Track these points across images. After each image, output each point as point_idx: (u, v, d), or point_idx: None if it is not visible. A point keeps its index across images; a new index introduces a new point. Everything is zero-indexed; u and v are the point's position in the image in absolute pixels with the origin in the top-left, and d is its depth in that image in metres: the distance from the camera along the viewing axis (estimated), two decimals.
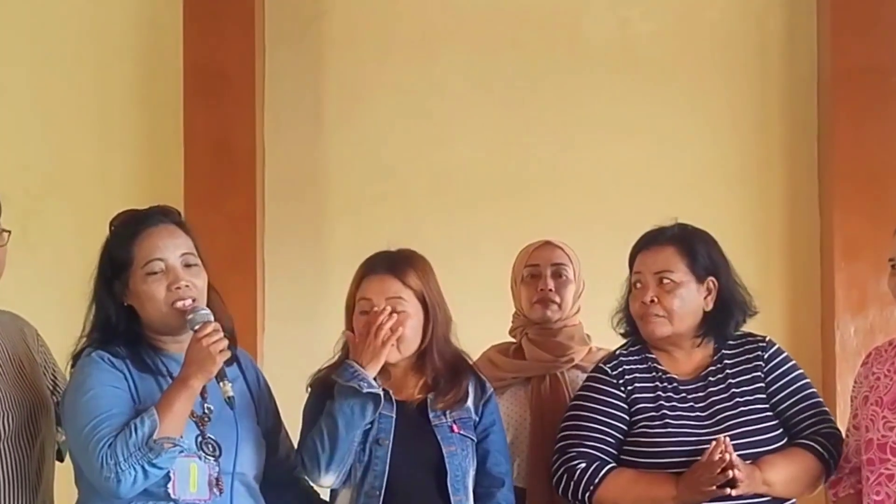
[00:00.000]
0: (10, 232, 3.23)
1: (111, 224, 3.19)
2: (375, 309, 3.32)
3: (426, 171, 5.59)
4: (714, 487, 3.19)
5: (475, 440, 3.38)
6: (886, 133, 5.44)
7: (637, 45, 5.62)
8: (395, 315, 3.31)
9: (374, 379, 3.27)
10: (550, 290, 3.81)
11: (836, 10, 5.48)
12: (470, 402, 3.40)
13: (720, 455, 3.18)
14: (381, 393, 3.27)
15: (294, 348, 5.22)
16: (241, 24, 5.48)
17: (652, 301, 3.39)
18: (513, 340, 3.94)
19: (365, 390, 3.23)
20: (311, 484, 3.39)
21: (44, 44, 5.60)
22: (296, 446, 3.37)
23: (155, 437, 2.90)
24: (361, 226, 5.48)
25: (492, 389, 3.49)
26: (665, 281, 3.41)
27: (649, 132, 5.59)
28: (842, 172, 5.45)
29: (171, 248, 3.11)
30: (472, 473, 3.35)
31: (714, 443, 3.21)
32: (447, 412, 3.36)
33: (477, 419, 3.40)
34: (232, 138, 5.40)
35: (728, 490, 3.19)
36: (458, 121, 5.59)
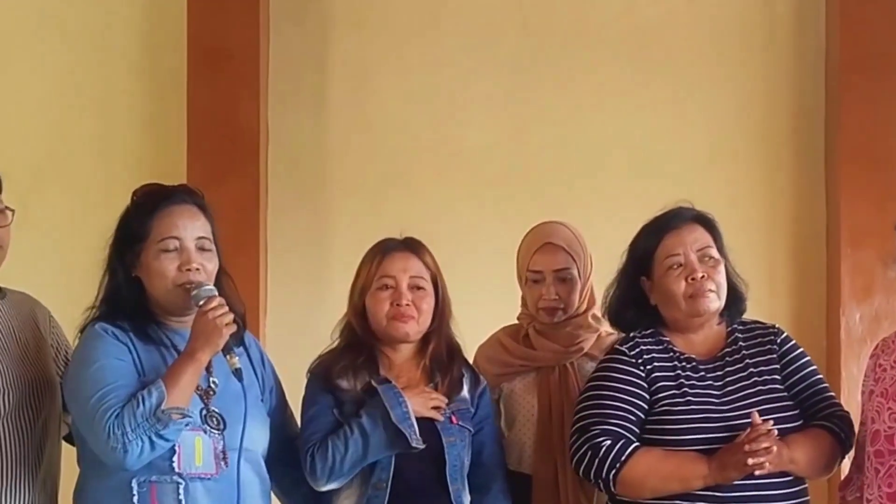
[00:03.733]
0: (14, 211, 3.23)
1: (134, 194, 3.19)
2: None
3: (431, 151, 5.57)
4: (750, 463, 3.20)
5: (472, 431, 3.42)
6: (894, 119, 5.41)
7: (645, 28, 5.60)
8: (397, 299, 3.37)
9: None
10: (555, 298, 3.76)
11: None
12: (466, 393, 3.44)
13: (767, 428, 3.21)
14: (423, 447, 3.29)
15: (296, 330, 5.21)
16: (246, 2, 5.45)
17: (703, 277, 3.41)
18: (522, 323, 3.90)
19: (413, 445, 3.27)
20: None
21: (46, 21, 5.57)
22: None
23: (163, 407, 2.90)
24: (365, 206, 5.47)
25: (485, 382, 3.53)
26: (707, 258, 3.45)
27: (656, 116, 5.57)
28: (849, 159, 5.43)
29: (189, 228, 3.12)
30: (467, 464, 3.39)
31: (753, 418, 3.24)
32: (446, 403, 3.39)
33: (473, 410, 3.44)
34: (235, 117, 5.38)
35: (755, 470, 3.21)
36: (464, 102, 5.57)
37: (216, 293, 3.05)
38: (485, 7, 5.60)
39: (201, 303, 3.03)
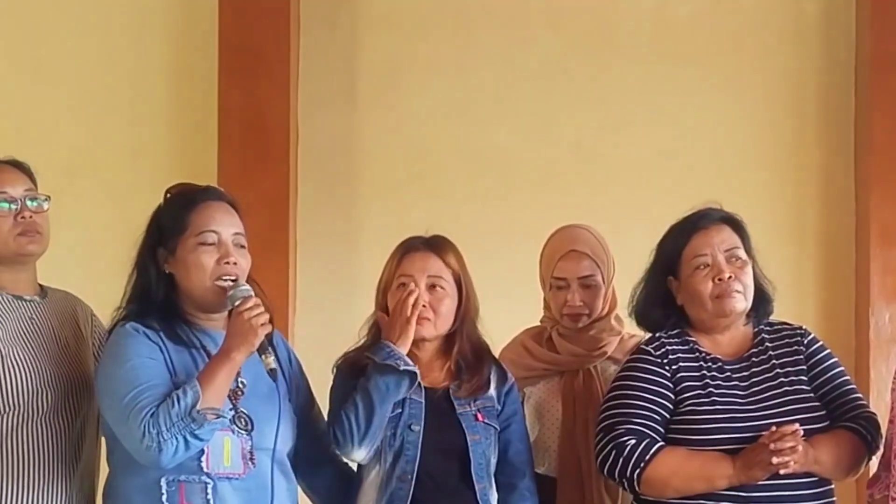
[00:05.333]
0: (49, 198, 3.29)
1: (167, 192, 3.20)
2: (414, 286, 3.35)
3: (460, 152, 5.57)
4: (775, 462, 3.20)
5: (498, 429, 3.40)
6: None
7: (673, 28, 5.59)
8: (417, 291, 3.34)
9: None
10: (580, 304, 3.77)
11: None
12: (492, 391, 3.42)
13: (792, 429, 3.21)
14: (417, 371, 3.29)
15: (325, 328, 5.22)
16: (277, 2, 5.46)
17: (730, 277, 3.41)
18: (545, 326, 3.90)
19: (402, 367, 3.26)
20: (345, 461, 3.40)
21: (78, 21, 5.60)
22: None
23: (198, 407, 2.91)
24: (394, 206, 5.48)
25: (513, 380, 3.50)
26: (734, 259, 3.44)
27: (685, 116, 5.56)
28: (878, 157, 5.41)
29: (227, 224, 3.13)
30: (494, 462, 3.37)
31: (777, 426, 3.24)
32: (472, 401, 3.37)
33: (499, 408, 3.42)
34: (266, 117, 5.39)
35: (780, 469, 3.21)
36: (493, 103, 5.57)
37: (252, 293, 3.05)
38: (514, 7, 5.60)
39: (237, 303, 3.03)
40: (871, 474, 3.54)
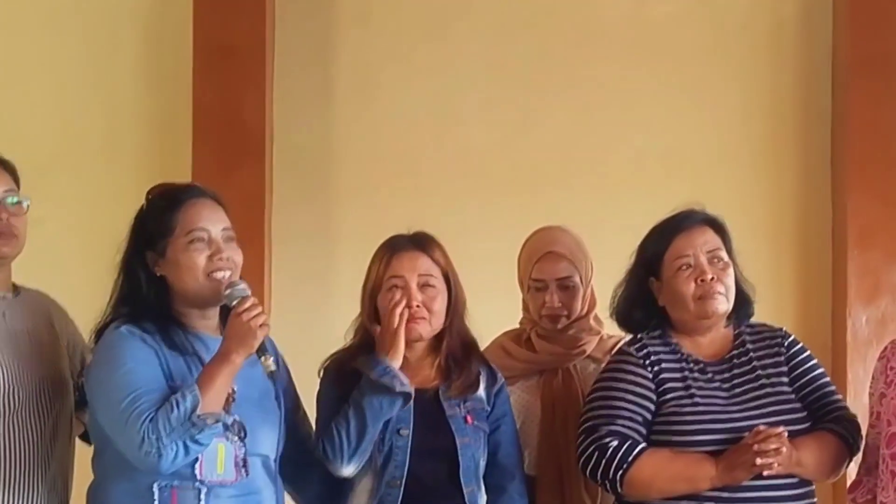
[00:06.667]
0: (28, 201, 3.26)
1: (148, 194, 3.17)
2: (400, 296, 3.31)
3: (436, 149, 5.56)
4: (758, 463, 3.20)
5: (487, 431, 3.38)
6: None
7: (650, 29, 5.59)
8: (403, 300, 3.30)
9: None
10: (558, 306, 3.76)
11: None
12: (482, 391, 3.40)
13: (777, 430, 3.23)
14: (412, 392, 3.26)
15: (301, 328, 5.18)
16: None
17: (712, 279, 3.41)
18: (524, 328, 3.90)
19: (398, 389, 3.24)
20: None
21: (53, 17, 5.56)
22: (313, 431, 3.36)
23: (198, 412, 2.87)
24: (371, 205, 5.46)
25: (503, 380, 3.48)
26: (717, 260, 3.45)
27: (661, 117, 5.56)
28: (855, 159, 5.42)
29: (215, 220, 3.11)
30: (483, 464, 3.35)
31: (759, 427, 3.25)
32: (461, 403, 3.35)
33: (489, 409, 3.40)
34: (241, 114, 5.37)
35: (764, 470, 3.22)
36: (469, 100, 5.56)
37: (249, 293, 3.02)
38: (492, 6, 5.59)
39: (234, 303, 3.00)
40: (850, 479, 3.54)
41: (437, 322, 3.36)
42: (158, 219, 3.10)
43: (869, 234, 5.30)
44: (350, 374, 3.30)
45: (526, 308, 3.86)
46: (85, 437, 3.29)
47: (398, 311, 3.29)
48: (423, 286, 3.35)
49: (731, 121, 5.61)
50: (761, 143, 5.61)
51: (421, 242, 3.40)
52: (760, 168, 5.59)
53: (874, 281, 5.30)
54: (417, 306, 3.32)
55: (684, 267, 3.44)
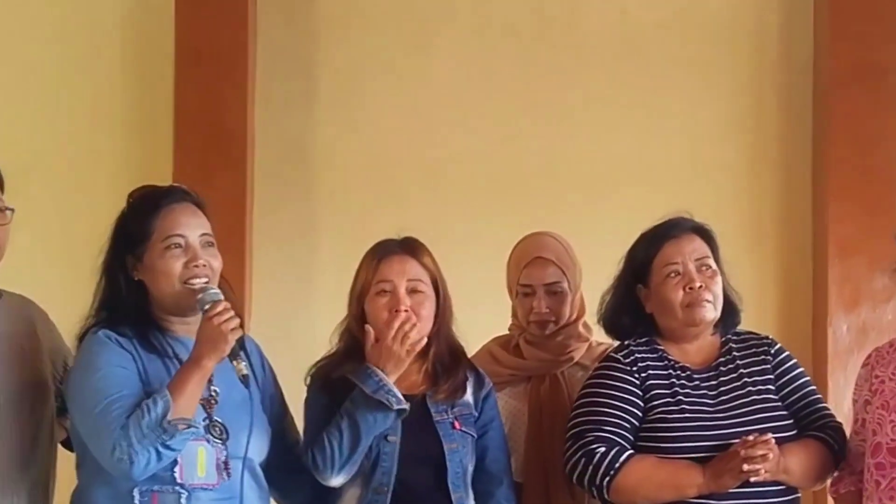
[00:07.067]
0: (13, 210, 3.20)
1: (129, 197, 3.16)
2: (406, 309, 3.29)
3: (418, 155, 5.55)
4: (745, 470, 3.21)
5: (475, 436, 3.37)
6: (881, 129, 5.43)
7: (634, 39, 5.60)
8: (413, 317, 3.28)
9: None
10: (546, 311, 3.76)
11: (834, 5, 5.47)
12: (469, 396, 3.39)
13: (765, 438, 3.24)
14: (408, 408, 3.24)
15: (282, 332, 5.16)
16: (234, 3, 5.43)
17: (700, 287, 3.42)
18: (513, 334, 3.89)
19: (395, 407, 3.22)
20: None
21: (34, 21, 5.54)
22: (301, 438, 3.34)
23: (169, 417, 2.85)
24: (353, 210, 5.46)
25: (491, 384, 3.47)
26: (705, 268, 3.47)
27: (645, 124, 5.57)
28: (836, 169, 5.43)
29: (193, 226, 3.09)
30: (471, 470, 3.34)
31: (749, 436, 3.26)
32: (449, 408, 3.34)
33: (476, 414, 3.39)
34: (223, 118, 5.36)
35: (751, 476, 3.22)
36: (452, 107, 5.56)
37: (222, 297, 3.01)
38: (475, 13, 5.58)
39: (206, 307, 2.98)
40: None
41: (426, 328, 3.33)
42: (137, 223, 3.08)
43: (849, 243, 5.31)
44: (339, 381, 3.28)
45: (515, 314, 3.86)
46: (67, 444, 3.26)
47: (406, 327, 3.27)
48: (412, 291, 3.33)
49: (712, 129, 5.62)
50: (743, 152, 5.62)
51: (410, 247, 3.39)
52: (742, 176, 5.60)
53: (855, 289, 5.31)
54: (406, 311, 3.29)
55: (673, 274, 3.45)
